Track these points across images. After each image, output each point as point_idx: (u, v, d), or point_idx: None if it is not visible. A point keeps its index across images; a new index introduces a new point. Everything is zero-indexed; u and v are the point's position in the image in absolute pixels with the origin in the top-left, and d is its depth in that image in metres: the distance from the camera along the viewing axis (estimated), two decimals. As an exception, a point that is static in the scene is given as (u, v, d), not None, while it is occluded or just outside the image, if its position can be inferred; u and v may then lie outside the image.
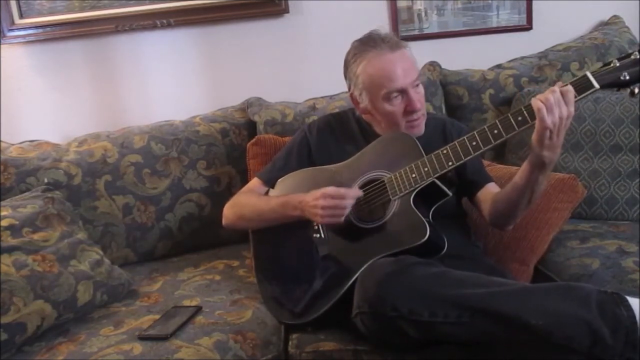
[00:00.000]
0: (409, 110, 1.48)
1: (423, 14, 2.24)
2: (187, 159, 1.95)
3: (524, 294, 1.18)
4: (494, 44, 2.27)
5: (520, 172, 1.36)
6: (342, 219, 1.40)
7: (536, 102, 1.22)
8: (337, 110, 1.92)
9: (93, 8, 2.09)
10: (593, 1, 2.28)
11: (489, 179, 1.57)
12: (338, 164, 1.55)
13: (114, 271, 1.64)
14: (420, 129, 1.52)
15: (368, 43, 1.49)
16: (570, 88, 1.23)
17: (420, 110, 1.50)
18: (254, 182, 1.68)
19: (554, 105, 1.21)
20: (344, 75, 1.57)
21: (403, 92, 1.46)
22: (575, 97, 1.23)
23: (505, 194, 1.45)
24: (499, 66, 2.18)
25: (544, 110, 1.21)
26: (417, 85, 1.49)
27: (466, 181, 1.54)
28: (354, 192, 1.42)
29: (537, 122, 1.23)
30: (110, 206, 1.88)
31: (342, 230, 1.46)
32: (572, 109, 1.23)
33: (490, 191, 1.52)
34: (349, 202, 1.40)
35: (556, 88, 1.23)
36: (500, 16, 2.26)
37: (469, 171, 1.53)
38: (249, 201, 1.62)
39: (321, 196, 1.39)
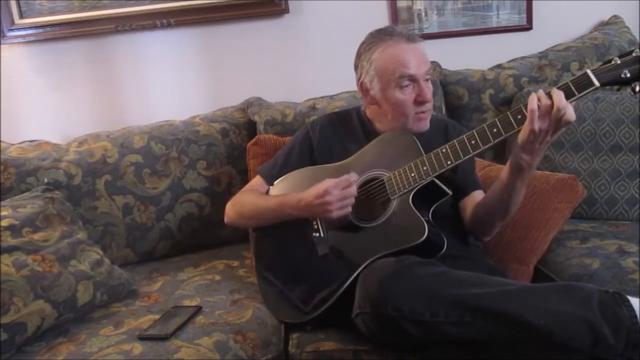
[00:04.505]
0: (419, 101, 1.48)
1: (423, 14, 2.24)
2: (187, 159, 1.95)
3: (525, 294, 1.18)
4: (494, 44, 2.27)
5: (500, 176, 1.38)
6: (349, 209, 1.40)
7: (532, 102, 1.23)
8: (337, 110, 1.92)
9: (93, 8, 2.09)
10: (593, 1, 2.29)
11: (476, 187, 1.57)
12: (338, 163, 1.55)
13: (114, 271, 1.64)
14: (427, 123, 1.52)
15: (385, 32, 1.51)
16: (572, 116, 1.22)
17: (430, 103, 1.50)
18: (256, 180, 1.68)
19: (546, 113, 1.22)
20: (354, 65, 1.57)
21: (415, 81, 1.47)
22: (576, 95, 1.23)
23: (485, 199, 1.47)
24: (499, 66, 2.18)
25: (536, 114, 1.22)
26: (428, 80, 1.50)
27: (454, 186, 1.53)
28: (353, 178, 1.41)
29: (526, 122, 1.24)
30: (110, 206, 1.88)
31: (341, 229, 1.46)
32: (562, 126, 1.24)
33: (475, 199, 1.53)
34: (354, 189, 1.40)
35: (562, 97, 1.21)
36: (500, 16, 2.26)
37: (459, 177, 1.53)
38: (250, 200, 1.62)
39: (325, 192, 1.39)
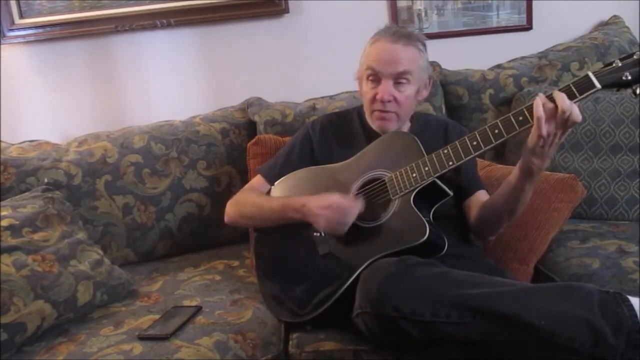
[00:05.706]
0: (375, 98, 1.50)
1: (423, 14, 2.24)
2: (187, 159, 1.95)
3: (525, 294, 1.18)
4: (494, 44, 2.27)
5: (508, 179, 1.39)
6: (345, 230, 1.41)
7: (538, 108, 1.22)
8: (337, 110, 1.92)
9: (93, 8, 2.09)
10: (593, 1, 2.29)
11: (480, 187, 1.58)
12: (339, 163, 1.55)
13: (114, 271, 1.64)
14: (386, 124, 1.52)
15: (383, 29, 1.55)
16: (578, 116, 1.22)
17: (390, 105, 1.49)
18: (257, 179, 1.68)
19: (552, 117, 1.22)
20: None
21: (378, 77, 1.49)
22: (577, 97, 1.23)
23: (491, 200, 1.48)
24: (499, 66, 2.18)
25: (543, 120, 1.22)
26: (401, 84, 1.49)
27: (458, 186, 1.53)
28: (358, 206, 1.41)
29: (533, 128, 1.24)
30: (110, 206, 1.88)
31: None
32: (568, 127, 1.24)
33: (479, 199, 1.53)
34: (352, 217, 1.40)
35: (564, 98, 1.21)
36: (500, 16, 2.26)
37: (463, 177, 1.53)
38: (251, 200, 1.62)
39: (327, 207, 1.40)
